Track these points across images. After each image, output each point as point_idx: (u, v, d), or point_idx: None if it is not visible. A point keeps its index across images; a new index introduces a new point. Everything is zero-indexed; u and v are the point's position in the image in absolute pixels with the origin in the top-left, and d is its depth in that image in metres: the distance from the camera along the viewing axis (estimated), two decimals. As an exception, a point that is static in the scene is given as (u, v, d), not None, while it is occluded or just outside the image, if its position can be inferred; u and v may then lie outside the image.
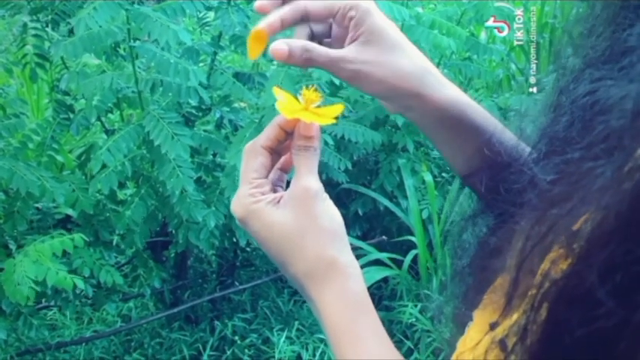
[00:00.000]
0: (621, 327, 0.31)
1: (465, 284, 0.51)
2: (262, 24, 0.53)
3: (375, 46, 0.53)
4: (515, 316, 0.36)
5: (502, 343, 0.37)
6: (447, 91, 0.56)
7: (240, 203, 0.51)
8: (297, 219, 0.49)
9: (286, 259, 0.50)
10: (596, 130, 0.34)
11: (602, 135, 0.34)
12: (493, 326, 0.39)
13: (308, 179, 0.50)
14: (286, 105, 0.52)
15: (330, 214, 0.50)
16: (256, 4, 0.55)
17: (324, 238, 0.49)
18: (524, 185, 0.42)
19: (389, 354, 0.47)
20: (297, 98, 0.53)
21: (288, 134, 0.53)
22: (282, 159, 0.55)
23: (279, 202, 0.51)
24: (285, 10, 0.54)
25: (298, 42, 0.53)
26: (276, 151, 0.54)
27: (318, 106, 0.53)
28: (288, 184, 0.53)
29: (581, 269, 0.32)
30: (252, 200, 0.51)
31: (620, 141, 0.32)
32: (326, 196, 0.51)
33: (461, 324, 0.47)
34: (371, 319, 0.48)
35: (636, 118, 0.32)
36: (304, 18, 0.55)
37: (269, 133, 0.53)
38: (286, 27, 0.54)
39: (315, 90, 0.52)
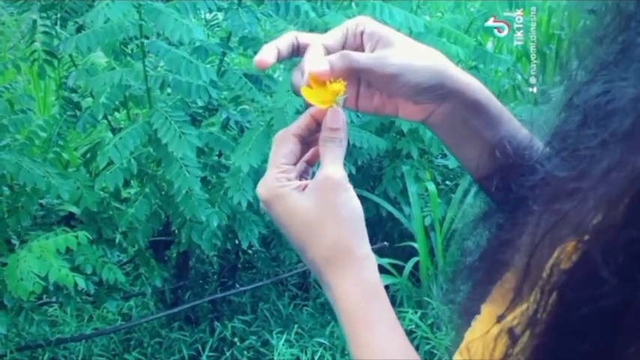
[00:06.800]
0: (625, 304, 0.32)
1: (473, 279, 0.51)
2: (310, 73, 0.53)
3: (398, 45, 0.54)
4: (525, 306, 0.37)
5: (511, 332, 0.38)
6: (468, 76, 0.56)
7: (266, 186, 0.53)
8: (318, 207, 0.51)
9: (305, 244, 0.52)
10: (611, 128, 0.35)
11: (616, 131, 0.35)
12: (500, 319, 0.39)
13: (332, 168, 0.52)
14: (316, 96, 0.53)
15: (351, 205, 0.51)
16: (256, 60, 0.55)
17: (343, 228, 0.50)
18: (537, 182, 0.43)
19: (398, 339, 0.49)
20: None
21: (319, 124, 0.54)
22: (310, 152, 0.56)
23: (304, 189, 0.52)
24: (309, 57, 0.54)
25: (332, 55, 0.53)
26: (305, 140, 0.55)
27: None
28: (314, 176, 0.54)
29: (588, 252, 0.34)
30: (278, 185, 0.52)
31: (630, 134, 0.33)
32: (349, 186, 0.52)
33: (467, 317, 0.48)
34: (384, 306, 0.50)
35: None
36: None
37: (301, 121, 0.55)
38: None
39: (340, 82, 0.53)
